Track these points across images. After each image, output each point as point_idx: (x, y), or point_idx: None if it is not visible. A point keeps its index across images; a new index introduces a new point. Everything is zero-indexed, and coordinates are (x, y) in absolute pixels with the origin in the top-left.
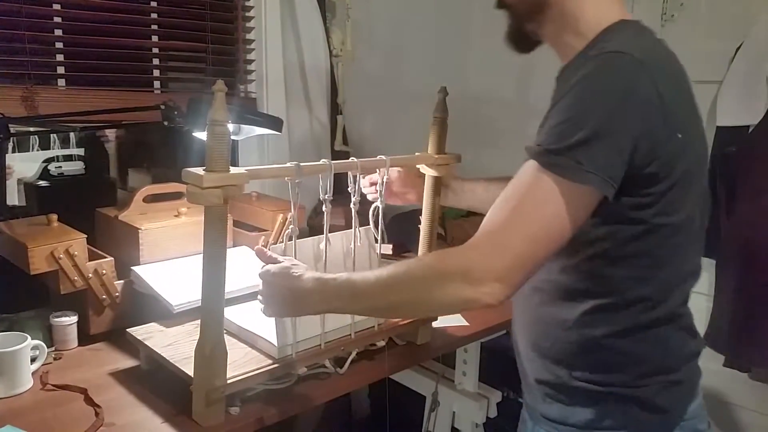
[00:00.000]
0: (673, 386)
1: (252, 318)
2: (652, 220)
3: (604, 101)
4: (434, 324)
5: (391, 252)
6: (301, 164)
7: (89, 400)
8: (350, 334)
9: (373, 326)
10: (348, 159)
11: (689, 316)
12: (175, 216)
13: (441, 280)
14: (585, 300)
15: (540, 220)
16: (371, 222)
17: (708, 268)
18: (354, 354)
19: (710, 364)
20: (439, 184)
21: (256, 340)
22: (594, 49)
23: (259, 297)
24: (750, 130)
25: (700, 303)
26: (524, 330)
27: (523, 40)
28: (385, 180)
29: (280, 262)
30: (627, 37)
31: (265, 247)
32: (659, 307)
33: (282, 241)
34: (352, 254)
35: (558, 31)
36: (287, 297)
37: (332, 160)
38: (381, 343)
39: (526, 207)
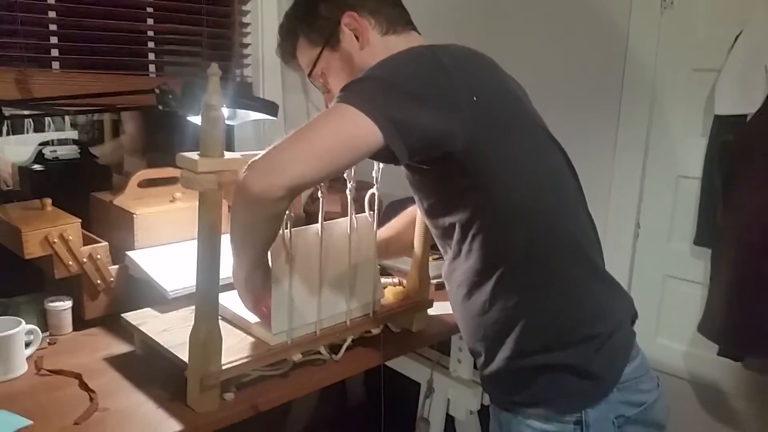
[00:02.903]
0: (604, 349)
1: None
2: (500, 181)
3: (389, 64)
4: (430, 311)
5: None
6: None
7: (84, 385)
8: (345, 321)
9: (368, 314)
10: None
11: (604, 275)
12: (171, 201)
13: (240, 203)
14: (489, 277)
15: (318, 138)
16: (367, 208)
17: (703, 257)
18: (349, 341)
19: (704, 352)
20: None
21: (251, 326)
22: None
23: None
24: (748, 119)
25: (695, 292)
26: (464, 328)
27: None
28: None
29: None
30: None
31: None
32: (554, 261)
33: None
34: (354, 240)
35: None
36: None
37: None
38: (376, 331)
39: (307, 129)
